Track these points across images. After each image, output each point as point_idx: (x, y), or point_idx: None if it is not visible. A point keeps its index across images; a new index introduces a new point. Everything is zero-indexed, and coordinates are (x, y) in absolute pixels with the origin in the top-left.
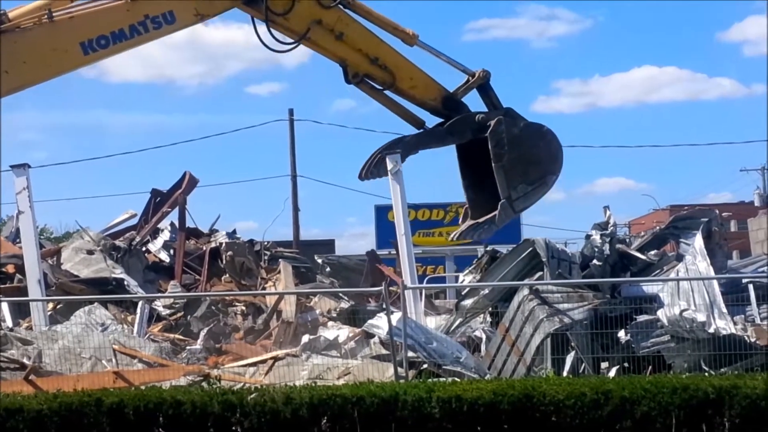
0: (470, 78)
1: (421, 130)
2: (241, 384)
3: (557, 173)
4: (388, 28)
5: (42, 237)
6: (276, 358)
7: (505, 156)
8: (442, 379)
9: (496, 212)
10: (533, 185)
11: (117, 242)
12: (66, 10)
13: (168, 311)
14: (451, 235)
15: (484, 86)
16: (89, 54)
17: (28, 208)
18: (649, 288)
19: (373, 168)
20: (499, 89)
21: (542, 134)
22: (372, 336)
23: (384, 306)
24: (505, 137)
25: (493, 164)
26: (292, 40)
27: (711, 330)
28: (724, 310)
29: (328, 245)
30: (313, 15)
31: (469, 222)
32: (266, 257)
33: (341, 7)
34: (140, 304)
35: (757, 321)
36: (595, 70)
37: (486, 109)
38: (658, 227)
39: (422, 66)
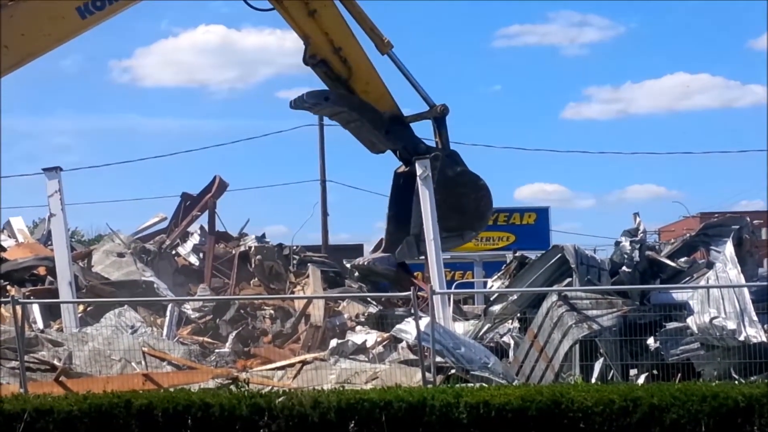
0: (430, 108)
1: (365, 105)
2: (270, 387)
3: (478, 231)
4: (365, 28)
5: (73, 240)
6: (304, 362)
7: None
8: (470, 385)
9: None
10: (449, 234)
11: (147, 245)
12: None
13: (197, 314)
14: (351, 263)
15: (439, 121)
16: (87, 17)
17: (60, 210)
18: (679, 295)
19: (301, 101)
20: (529, 96)
21: (477, 187)
22: (400, 341)
23: (412, 311)
24: (437, 175)
25: (415, 198)
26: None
27: (741, 338)
28: (755, 318)
29: (356, 250)
30: None
31: (377, 254)
32: (295, 261)
33: None
34: (170, 306)
35: None
36: (627, 77)
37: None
38: (688, 234)
39: (386, 78)
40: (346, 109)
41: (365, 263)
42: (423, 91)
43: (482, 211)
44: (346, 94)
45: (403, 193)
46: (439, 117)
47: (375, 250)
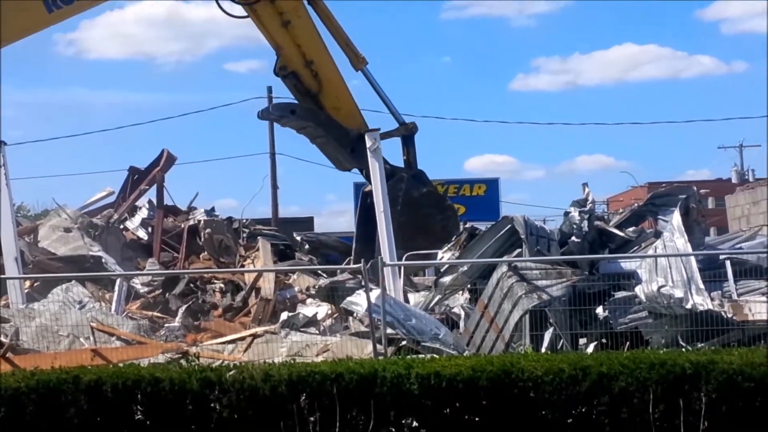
0: (399, 126)
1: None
2: (220, 361)
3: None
4: (341, 42)
5: (19, 215)
6: (255, 336)
7: (395, 215)
8: (421, 356)
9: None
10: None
11: (94, 220)
12: None
13: (146, 289)
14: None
15: (408, 139)
16: (53, 11)
17: (5, 185)
18: (627, 264)
19: (267, 113)
20: (479, 68)
21: (443, 207)
22: (351, 313)
23: (363, 283)
24: (401, 197)
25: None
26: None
27: (688, 306)
28: (702, 286)
29: (306, 223)
30: None
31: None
32: (245, 235)
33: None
34: (118, 281)
35: (734, 297)
36: (575, 48)
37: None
38: (636, 204)
39: (357, 95)
40: (312, 124)
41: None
42: (394, 109)
43: (450, 232)
44: (314, 109)
45: (370, 212)
46: (407, 135)
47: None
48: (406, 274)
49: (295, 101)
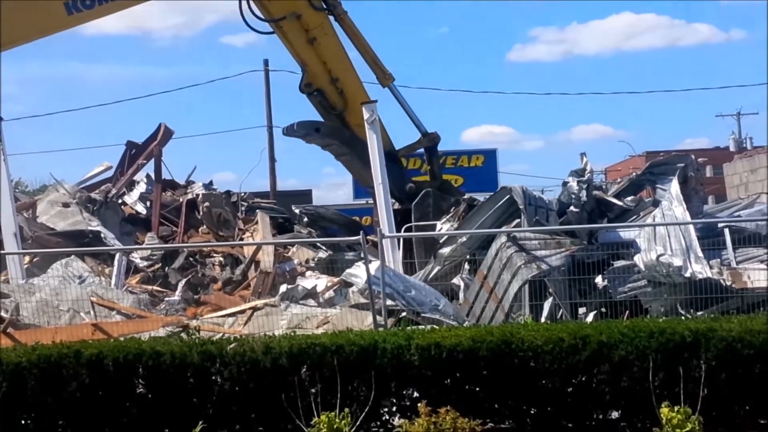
0: (422, 137)
1: (356, 139)
2: (221, 334)
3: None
4: (368, 59)
5: (17, 190)
6: (255, 308)
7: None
8: (420, 327)
9: None
10: None
11: (93, 195)
12: None
13: (145, 263)
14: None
15: (431, 149)
16: (73, 14)
17: (2, 161)
18: (626, 234)
19: (292, 130)
20: (476, 38)
21: None
22: (350, 285)
23: (362, 255)
24: (432, 212)
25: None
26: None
27: (687, 274)
28: (700, 254)
29: (305, 196)
30: (296, 8)
31: None
32: (243, 208)
33: (331, 16)
34: (117, 256)
35: (733, 265)
36: (573, 18)
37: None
38: (634, 173)
39: (383, 109)
40: (336, 142)
41: None
42: (418, 121)
43: None
44: (338, 127)
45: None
46: (430, 146)
47: None
48: None
49: (320, 118)
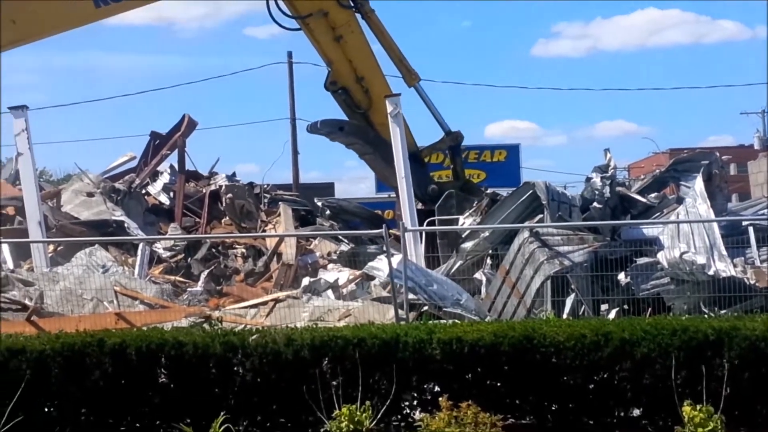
0: (445, 136)
1: (380, 139)
2: (243, 325)
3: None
4: (394, 58)
5: (41, 179)
6: (277, 300)
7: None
8: (442, 321)
9: None
10: None
11: (117, 185)
12: None
13: (168, 253)
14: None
15: (455, 149)
16: (101, 7)
17: (27, 150)
18: (649, 231)
19: (316, 128)
20: (499, 32)
21: None
22: (372, 278)
23: (384, 248)
24: (455, 213)
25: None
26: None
27: (711, 272)
28: (724, 252)
29: (327, 188)
30: (323, 5)
31: None
32: (266, 200)
33: (358, 14)
34: (141, 246)
35: (757, 263)
36: (597, 13)
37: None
38: (658, 170)
39: (407, 108)
40: (360, 141)
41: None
42: (442, 120)
43: None
44: (362, 126)
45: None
46: (453, 146)
47: None
48: None
49: (344, 117)
